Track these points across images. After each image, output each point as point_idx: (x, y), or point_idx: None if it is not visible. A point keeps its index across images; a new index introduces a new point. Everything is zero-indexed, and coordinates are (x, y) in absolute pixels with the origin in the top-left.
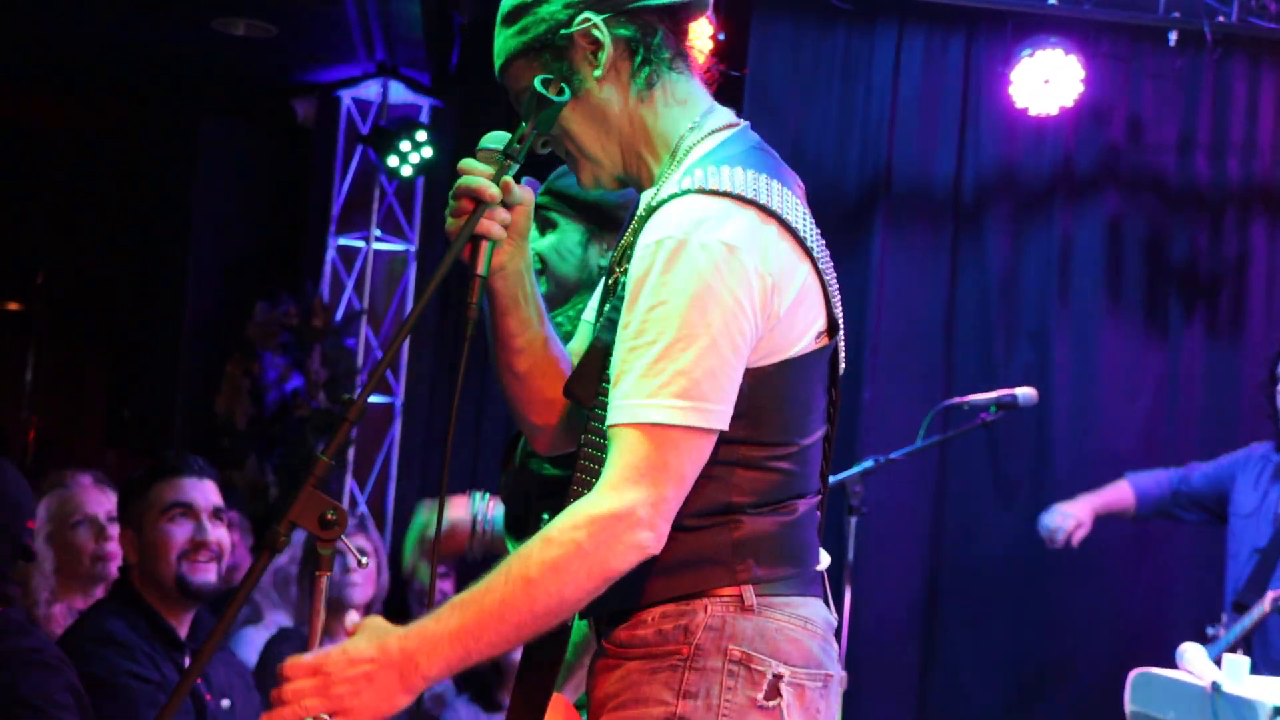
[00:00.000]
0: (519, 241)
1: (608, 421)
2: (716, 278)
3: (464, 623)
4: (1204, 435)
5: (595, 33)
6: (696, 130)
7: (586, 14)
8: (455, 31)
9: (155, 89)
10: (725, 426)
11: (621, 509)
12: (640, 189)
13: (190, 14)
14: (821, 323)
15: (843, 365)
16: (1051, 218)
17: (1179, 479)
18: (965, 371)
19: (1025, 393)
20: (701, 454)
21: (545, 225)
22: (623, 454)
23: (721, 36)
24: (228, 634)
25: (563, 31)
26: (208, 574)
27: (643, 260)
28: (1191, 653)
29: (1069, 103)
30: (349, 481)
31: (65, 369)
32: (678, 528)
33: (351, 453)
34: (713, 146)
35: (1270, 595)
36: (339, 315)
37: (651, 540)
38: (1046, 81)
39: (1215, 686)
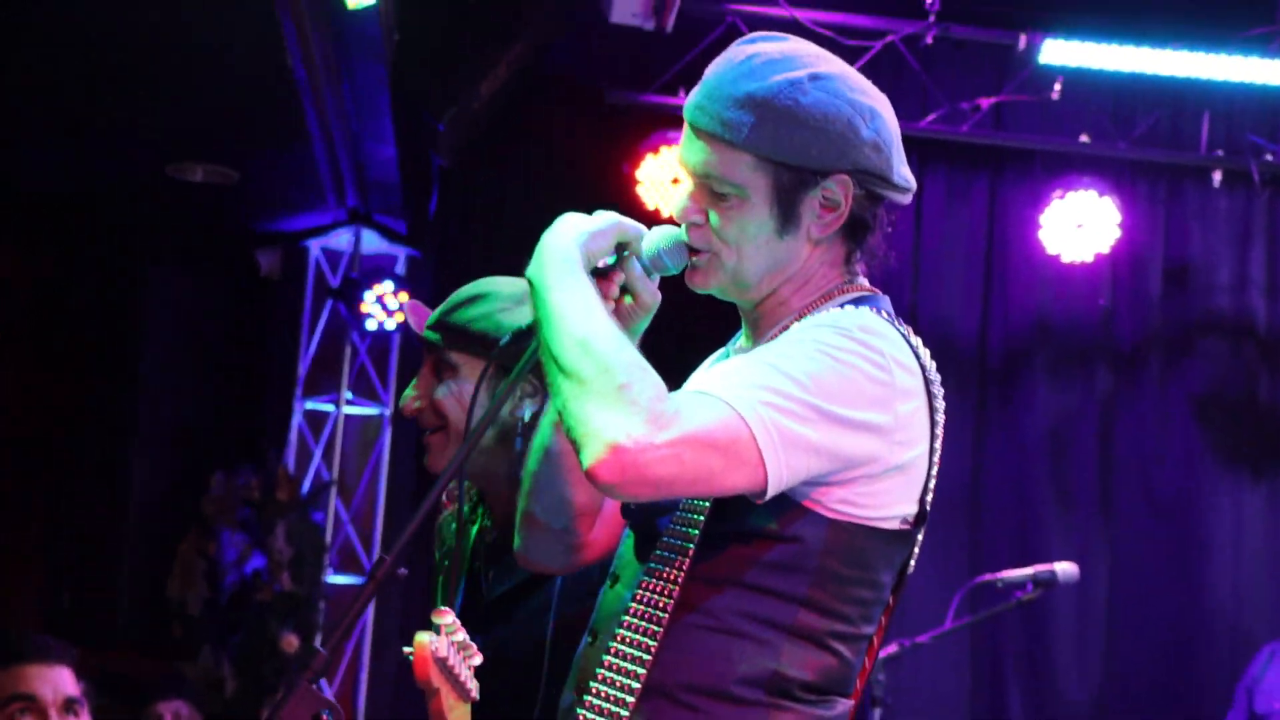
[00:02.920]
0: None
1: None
2: (857, 371)
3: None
4: (1252, 608)
5: (841, 197)
6: (849, 284)
7: (846, 177)
8: (434, 175)
9: (103, 239)
10: (768, 489)
11: (629, 433)
12: (756, 315)
13: (144, 159)
14: (913, 508)
15: (912, 566)
16: (1091, 373)
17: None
18: (996, 545)
19: (1065, 568)
20: (727, 470)
21: (443, 369)
22: (681, 399)
23: None
24: None
25: (816, 173)
26: None
27: (803, 329)
28: None
29: (1105, 248)
30: (334, 502)
31: None
32: (719, 693)
33: (337, 468)
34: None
35: None
36: (305, 487)
37: (615, 468)
38: (1080, 226)
39: None
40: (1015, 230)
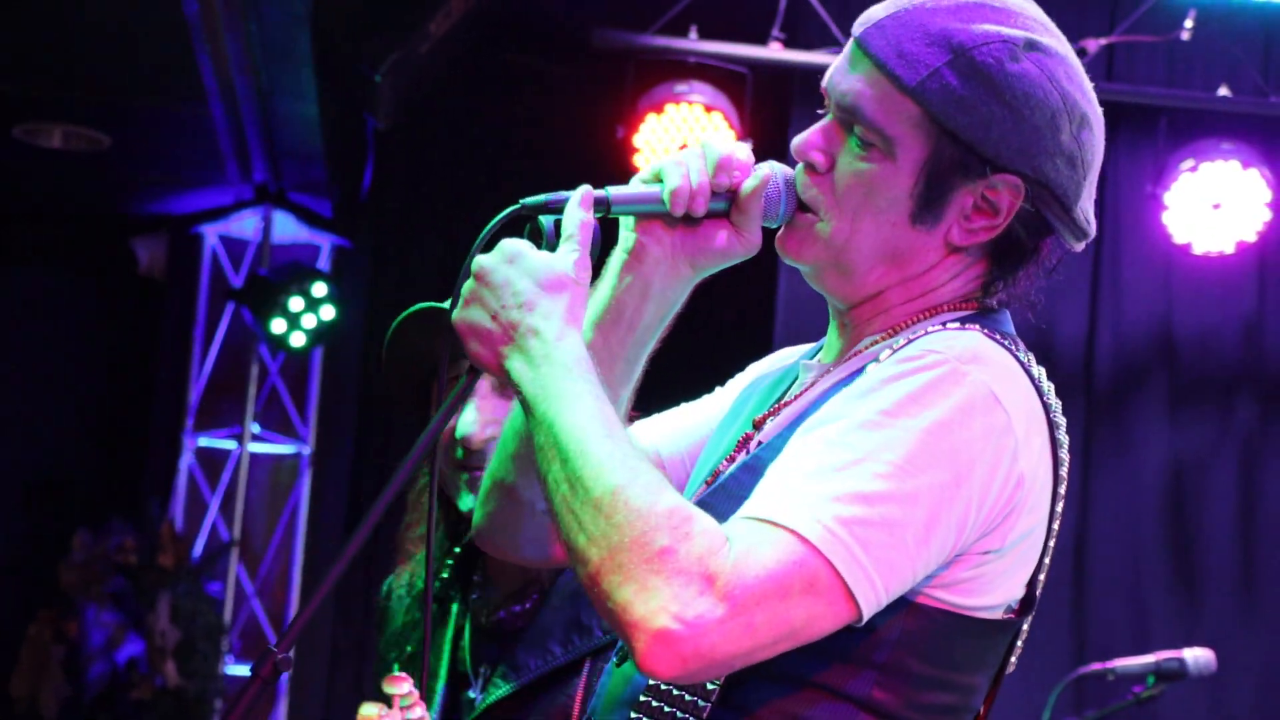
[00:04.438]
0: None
1: (737, 513)
2: (966, 431)
3: (577, 405)
4: None
5: (1004, 204)
6: (965, 301)
7: (1019, 181)
8: (368, 141)
9: None
10: (864, 616)
11: (680, 615)
12: (848, 319)
13: None
14: (1021, 591)
15: (1013, 664)
16: (1230, 403)
17: None
18: (1106, 626)
19: (1198, 656)
20: (812, 619)
21: None
22: (736, 541)
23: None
24: None
25: (986, 161)
26: None
27: (888, 366)
28: None
29: (1250, 235)
30: (236, 568)
31: None
32: None
33: (238, 524)
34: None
35: None
36: (198, 549)
37: (674, 661)
38: (1217, 206)
39: None
40: (1131, 213)
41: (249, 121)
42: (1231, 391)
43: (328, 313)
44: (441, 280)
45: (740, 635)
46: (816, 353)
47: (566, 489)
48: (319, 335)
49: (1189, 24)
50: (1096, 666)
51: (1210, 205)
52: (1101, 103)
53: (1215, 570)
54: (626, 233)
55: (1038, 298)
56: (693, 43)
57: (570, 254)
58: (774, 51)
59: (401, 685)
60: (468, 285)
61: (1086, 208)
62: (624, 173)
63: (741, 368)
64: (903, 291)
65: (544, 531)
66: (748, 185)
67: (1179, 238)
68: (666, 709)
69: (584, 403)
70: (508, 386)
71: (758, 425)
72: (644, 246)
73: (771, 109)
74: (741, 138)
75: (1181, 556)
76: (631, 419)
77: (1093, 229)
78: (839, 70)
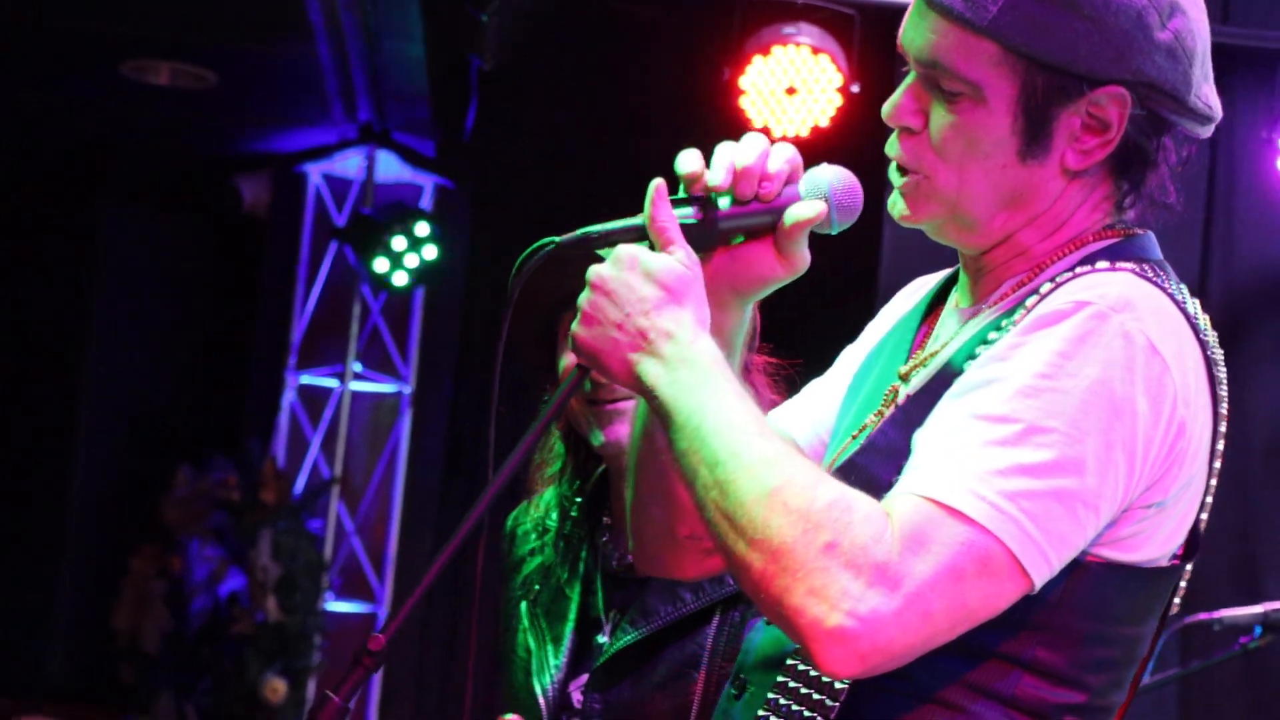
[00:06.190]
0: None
1: (896, 488)
2: (1126, 386)
3: (721, 417)
4: None
5: (1113, 116)
6: (1106, 229)
7: (1123, 90)
8: (472, 83)
9: (36, 162)
10: (1036, 588)
11: (854, 611)
12: (982, 262)
13: (91, 55)
14: (1183, 536)
15: (1176, 605)
16: None
17: None
18: (1213, 575)
19: None
20: (988, 599)
21: None
22: (900, 521)
23: (855, 89)
24: None
25: (1082, 79)
26: None
27: (1041, 320)
28: None
29: None
30: (336, 506)
31: None
32: None
33: (340, 462)
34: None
35: None
36: (299, 486)
37: (854, 659)
38: None
39: None
40: (1246, 157)
41: (355, 61)
42: None
43: (430, 252)
44: (542, 221)
45: (918, 625)
46: (948, 287)
47: (718, 494)
48: (421, 275)
49: None
50: (1203, 616)
51: None
52: (1218, 47)
53: None
54: None
55: (1174, 204)
56: None
57: (679, 252)
58: None
59: None
60: (584, 297)
61: (1204, 93)
62: (729, 116)
63: (847, 315)
64: (1034, 231)
65: (689, 550)
66: (794, 214)
67: None
68: (814, 671)
69: (728, 403)
70: (641, 396)
71: (904, 377)
72: None
73: (879, 51)
74: (849, 80)
75: None
76: (771, 404)
77: (1217, 111)
78: (909, 26)
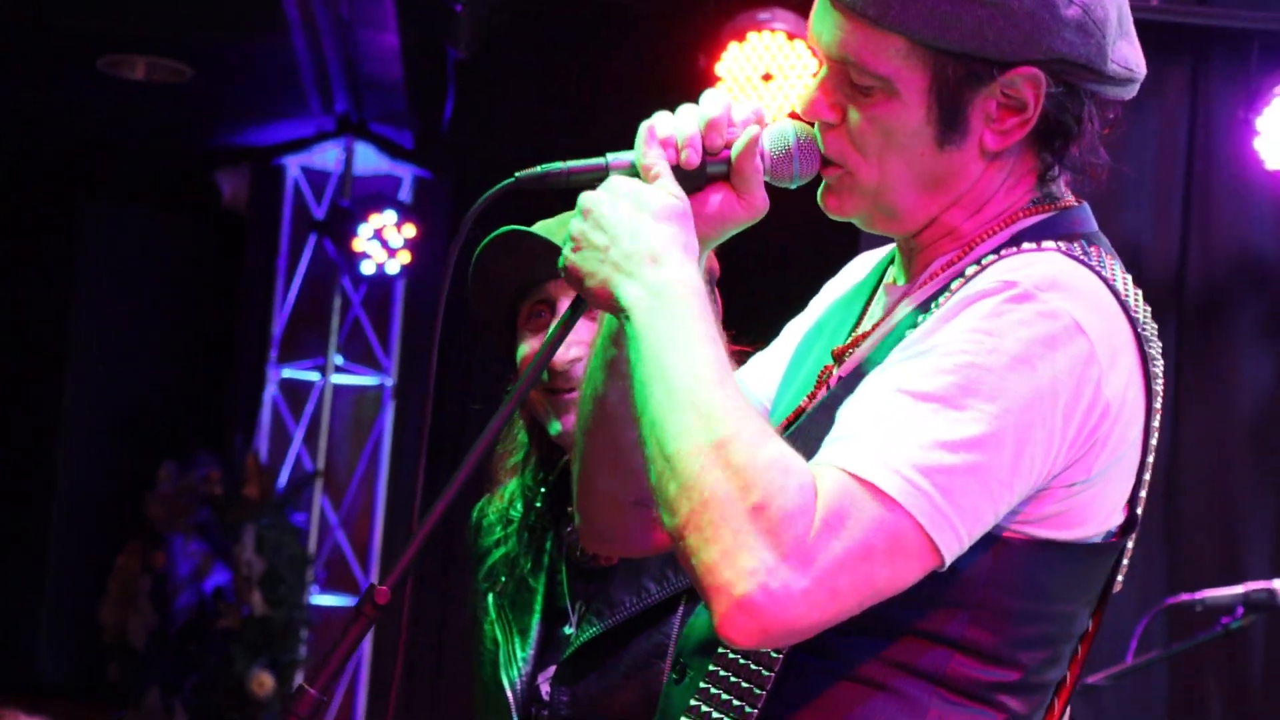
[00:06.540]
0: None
1: (819, 456)
2: (1047, 365)
3: (687, 354)
4: None
5: (1028, 96)
6: (1035, 205)
7: (1036, 71)
8: (449, 73)
9: (10, 156)
10: (946, 563)
11: (766, 584)
12: (914, 242)
13: (67, 51)
14: (1120, 515)
15: (1119, 584)
16: None
17: None
18: (1196, 555)
19: None
20: (895, 576)
21: None
22: (824, 499)
23: None
24: None
25: (993, 64)
26: None
27: (966, 300)
28: None
29: None
30: (320, 500)
31: None
32: None
33: (323, 456)
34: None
35: None
36: (282, 480)
37: (755, 631)
38: None
39: None
40: (1223, 137)
41: (330, 52)
42: None
43: (409, 244)
44: (522, 211)
45: (825, 603)
46: (888, 266)
47: (661, 432)
48: (400, 264)
49: None
50: (1185, 597)
51: None
52: (1193, 28)
53: None
54: None
55: (1099, 168)
56: None
57: (669, 186)
58: None
59: None
60: (574, 224)
61: (1123, 56)
62: None
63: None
64: (959, 211)
65: (636, 524)
66: (737, 146)
67: (1271, 163)
68: (743, 660)
69: (696, 344)
70: (619, 317)
71: (836, 357)
72: None
73: None
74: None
75: (1274, 485)
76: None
77: (1140, 70)
78: (816, 20)
